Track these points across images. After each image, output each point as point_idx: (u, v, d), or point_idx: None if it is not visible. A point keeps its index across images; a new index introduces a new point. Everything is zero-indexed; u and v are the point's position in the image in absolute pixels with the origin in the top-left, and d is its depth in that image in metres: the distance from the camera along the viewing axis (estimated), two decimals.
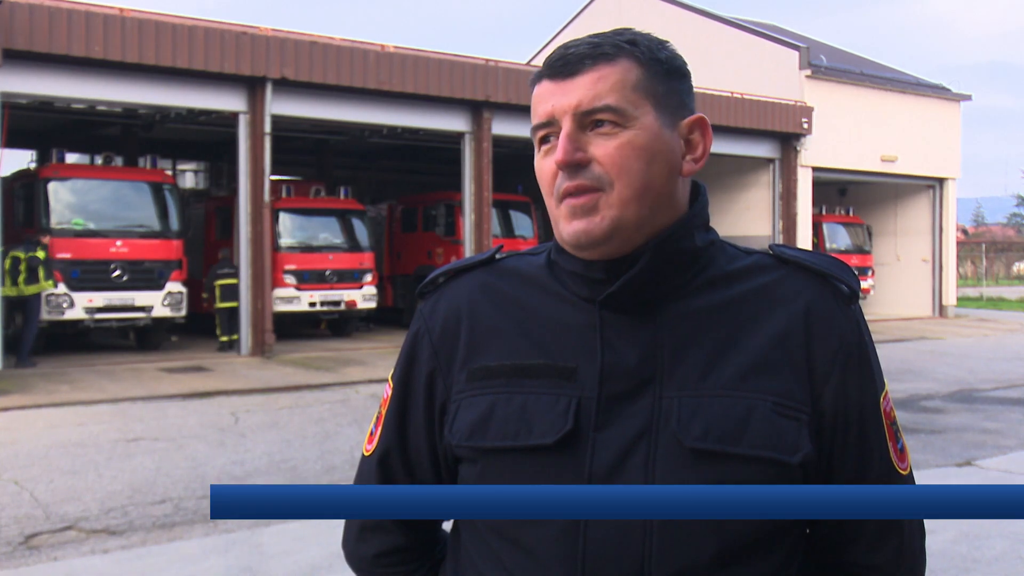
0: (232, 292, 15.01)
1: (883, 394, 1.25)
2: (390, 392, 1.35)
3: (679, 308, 1.21)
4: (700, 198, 1.26)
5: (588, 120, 1.18)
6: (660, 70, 1.21)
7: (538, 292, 1.27)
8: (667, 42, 1.25)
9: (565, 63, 1.19)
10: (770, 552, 1.18)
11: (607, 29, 1.26)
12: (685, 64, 1.25)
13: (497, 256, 1.34)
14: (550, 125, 1.20)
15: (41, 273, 13.31)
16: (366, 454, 1.38)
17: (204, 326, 17.38)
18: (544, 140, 1.22)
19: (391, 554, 1.37)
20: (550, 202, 1.22)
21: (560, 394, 1.19)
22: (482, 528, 1.24)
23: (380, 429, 1.36)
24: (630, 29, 1.24)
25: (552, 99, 1.19)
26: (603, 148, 1.17)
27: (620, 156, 1.17)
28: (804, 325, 1.21)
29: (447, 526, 1.39)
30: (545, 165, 1.22)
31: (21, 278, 13.14)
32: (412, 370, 1.32)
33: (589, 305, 1.22)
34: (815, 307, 1.22)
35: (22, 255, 13.21)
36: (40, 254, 13.31)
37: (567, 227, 1.19)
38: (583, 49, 1.19)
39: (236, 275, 15.10)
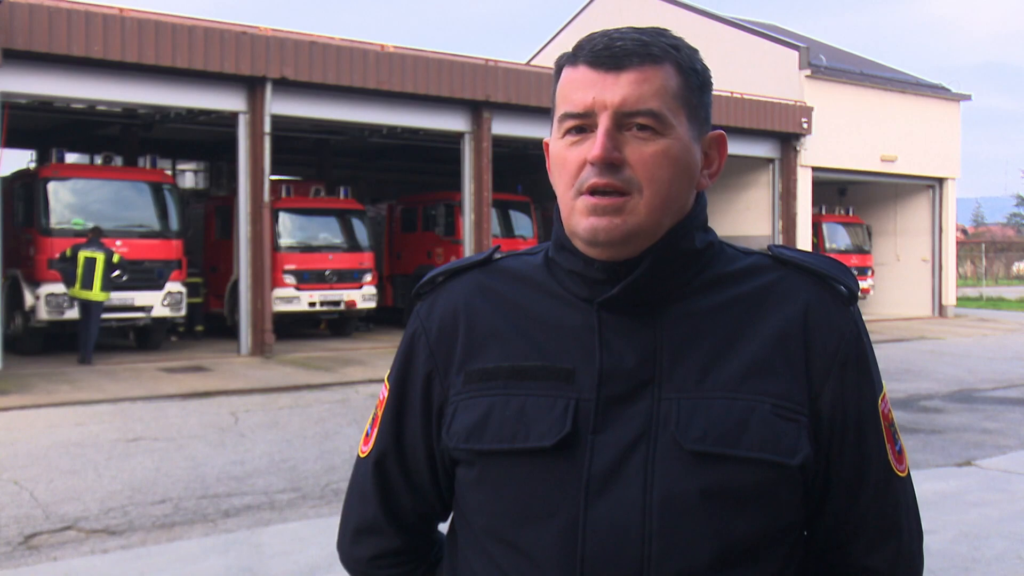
0: (194, 289, 16.70)
1: (881, 396, 1.24)
2: (386, 393, 1.34)
3: (678, 309, 1.20)
4: (699, 200, 1.25)
5: (627, 121, 1.15)
6: (696, 81, 1.20)
7: (535, 292, 1.26)
8: (698, 51, 1.23)
9: (611, 55, 1.16)
10: (768, 555, 1.17)
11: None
12: (711, 77, 1.24)
13: (495, 256, 1.33)
14: (586, 116, 1.17)
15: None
16: (362, 456, 1.37)
17: (204, 326, 17.42)
18: (573, 128, 1.18)
19: (386, 556, 1.36)
20: (567, 192, 1.19)
21: (558, 396, 1.18)
22: (479, 531, 1.23)
23: (376, 431, 1.35)
24: (669, 31, 1.22)
25: (593, 90, 1.16)
26: (638, 153, 1.15)
27: (654, 163, 1.15)
28: (803, 326, 1.20)
29: (443, 527, 1.39)
30: (571, 155, 1.18)
31: (98, 282, 13.29)
32: (409, 371, 1.31)
33: (587, 305, 1.21)
34: (814, 308, 1.21)
35: (99, 255, 13.32)
36: (116, 258, 13.57)
37: (584, 221, 1.17)
38: (630, 45, 1.16)
39: (196, 275, 17.04)
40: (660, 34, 1.20)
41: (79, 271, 13.29)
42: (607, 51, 1.16)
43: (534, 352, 1.22)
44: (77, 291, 13.36)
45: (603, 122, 1.15)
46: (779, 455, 1.15)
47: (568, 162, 1.18)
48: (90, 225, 14.14)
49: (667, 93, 1.16)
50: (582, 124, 1.17)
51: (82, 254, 13.36)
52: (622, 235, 1.16)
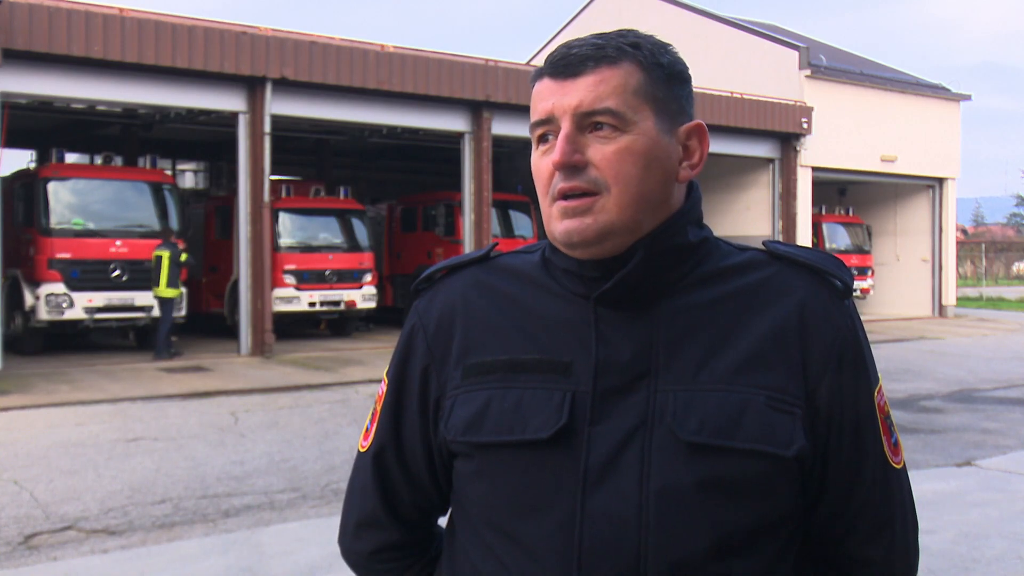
0: None
1: (877, 388, 1.26)
2: (385, 388, 1.36)
3: (673, 304, 1.22)
4: (692, 195, 1.26)
5: (587, 122, 1.18)
6: (661, 75, 1.21)
7: (533, 289, 1.27)
8: (669, 46, 1.25)
9: (567, 63, 1.19)
10: (765, 545, 1.18)
11: (608, 29, 1.26)
12: (686, 69, 1.25)
13: (492, 254, 1.34)
14: (549, 123, 1.20)
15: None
16: (361, 450, 1.38)
17: (204, 326, 17.42)
18: (542, 138, 1.22)
19: (387, 550, 1.38)
20: (544, 200, 1.22)
21: (555, 389, 1.20)
22: (478, 523, 1.24)
23: (375, 425, 1.36)
24: (634, 31, 1.23)
25: (552, 98, 1.19)
26: (601, 152, 1.17)
27: (618, 161, 1.17)
28: (799, 321, 1.21)
29: (443, 522, 1.40)
30: (542, 164, 1.22)
31: (163, 279, 13.92)
32: (407, 366, 1.32)
33: (584, 301, 1.23)
34: (809, 303, 1.22)
35: (165, 253, 13.98)
36: (184, 256, 14.24)
37: (558, 226, 1.20)
38: (586, 50, 1.19)
39: None
40: (621, 35, 1.22)
41: (152, 270, 14.06)
42: (563, 60, 1.20)
43: (531, 346, 1.23)
44: (153, 290, 14.13)
45: (563, 127, 1.19)
46: (774, 446, 1.16)
47: (541, 171, 1.22)
48: (90, 225, 14.23)
49: (626, 91, 1.18)
50: (546, 131, 1.21)
51: (154, 253, 14.09)
52: (595, 234, 1.18)
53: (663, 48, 1.23)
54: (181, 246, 14.42)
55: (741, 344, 1.20)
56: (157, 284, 14.02)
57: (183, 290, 14.47)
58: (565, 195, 1.18)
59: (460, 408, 1.24)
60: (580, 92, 1.18)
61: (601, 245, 1.19)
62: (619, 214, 1.18)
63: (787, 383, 1.19)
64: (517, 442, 1.19)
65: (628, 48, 1.20)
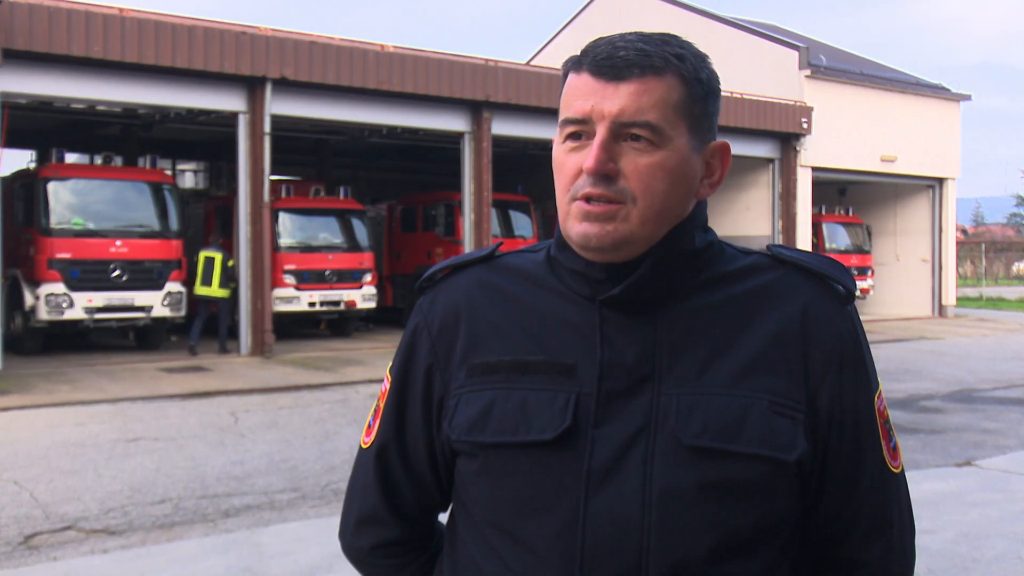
0: None
1: (877, 393, 1.26)
2: (388, 385, 1.36)
3: (678, 307, 1.22)
4: (699, 201, 1.26)
5: (624, 131, 1.16)
6: (700, 91, 1.20)
7: (537, 289, 1.27)
8: (707, 58, 1.23)
9: (613, 64, 1.16)
10: (764, 547, 1.19)
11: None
12: (719, 83, 1.24)
13: (496, 253, 1.34)
14: (584, 123, 1.18)
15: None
16: (364, 447, 1.38)
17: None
18: (573, 135, 1.20)
19: (388, 546, 1.39)
20: (563, 197, 1.21)
21: (559, 390, 1.20)
22: (479, 521, 1.25)
23: (378, 422, 1.36)
24: (677, 38, 1.22)
25: (592, 98, 1.17)
26: (634, 164, 1.16)
27: (649, 175, 1.16)
28: (801, 325, 1.21)
29: (443, 518, 1.40)
30: (569, 161, 1.20)
31: (216, 280, 14.61)
32: (411, 364, 1.32)
33: (589, 303, 1.23)
34: (812, 307, 1.22)
35: (217, 255, 14.67)
36: (231, 262, 14.90)
37: (577, 227, 1.18)
38: (632, 55, 1.16)
39: None
40: (665, 43, 1.19)
41: (199, 270, 14.64)
42: (608, 60, 1.17)
43: (535, 347, 1.23)
44: (197, 288, 14.68)
45: (600, 132, 1.16)
46: (776, 451, 1.16)
47: (566, 167, 1.20)
48: (90, 225, 14.25)
49: (667, 105, 1.17)
50: (580, 131, 1.19)
51: (202, 254, 14.69)
52: (613, 242, 1.17)
53: (703, 61, 1.21)
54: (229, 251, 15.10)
55: (744, 348, 1.20)
56: (208, 284, 14.60)
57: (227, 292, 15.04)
58: (589, 198, 1.17)
59: (464, 407, 1.24)
60: (622, 99, 1.15)
61: (616, 252, 1.19)
62: (640, 226, 1.17)
63: (789, 387, 1.19)
64: (521, 443, 1.19)
65: (674, 60, 1.18)
